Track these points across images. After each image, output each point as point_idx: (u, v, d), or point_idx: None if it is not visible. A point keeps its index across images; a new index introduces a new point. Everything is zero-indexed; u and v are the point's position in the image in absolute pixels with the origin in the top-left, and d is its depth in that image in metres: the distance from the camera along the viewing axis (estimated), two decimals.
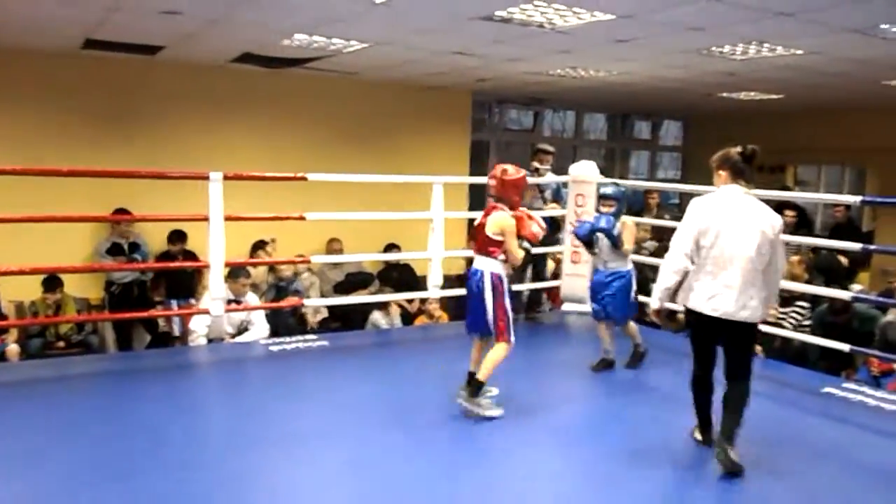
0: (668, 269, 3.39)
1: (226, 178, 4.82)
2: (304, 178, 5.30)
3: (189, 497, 2.96)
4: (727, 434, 3.30)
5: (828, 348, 5.10)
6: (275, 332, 5.83)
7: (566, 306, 6.51)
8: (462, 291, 6.68)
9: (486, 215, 3.92)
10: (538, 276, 6.47)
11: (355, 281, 7.55)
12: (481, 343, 3.99)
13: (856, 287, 6.57)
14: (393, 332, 6.41)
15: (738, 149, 3.41)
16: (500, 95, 10.08)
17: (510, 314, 3.89)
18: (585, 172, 6.31)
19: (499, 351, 3.86)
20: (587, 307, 5.61)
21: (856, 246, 5.25)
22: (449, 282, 6.16)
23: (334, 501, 3.05)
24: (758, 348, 5.70)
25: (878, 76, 6.98)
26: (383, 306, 6.62)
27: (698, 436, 3.66)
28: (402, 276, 7.75)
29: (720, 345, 3.43)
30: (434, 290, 5.91)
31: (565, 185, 6.31)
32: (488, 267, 3.89)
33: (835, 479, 3.40)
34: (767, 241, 3.27)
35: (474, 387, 3.85)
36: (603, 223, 4.66)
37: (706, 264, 3.31)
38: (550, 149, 6.33)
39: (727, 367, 3.42)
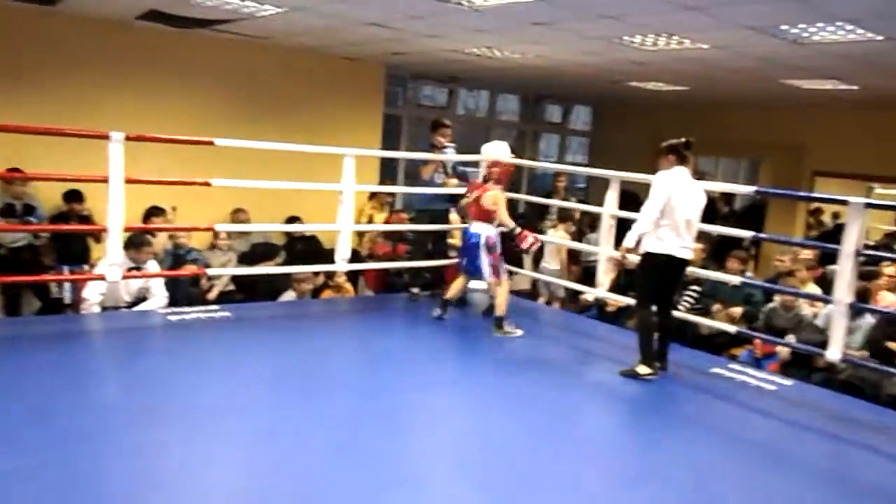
0: (644, 221, 4.41)
1: (128, 138, 4.63)
2: (210, 143, 5.17)
3: (81, 472, 2.80)
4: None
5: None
6: (174, 303, 5.68)
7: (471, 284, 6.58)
8: (368, 266, 6.90)
9: (478, 192, 5.27)
10: (442, 253, 6.49)
11: (261, 252, 7.41)
12: (466, 279, 5.50)
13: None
14: (299, 305, 6.34)
15: (683, 140, 4.54)
16: (416, 71, 10.05)
17: (502, 261, 5.32)
18: (497, 152, 6.32)
19: (500, 289, 5.22)
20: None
21: (747, 233, 5.54)
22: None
23: (244, 475, 2.99)
24: None
25: (777, 74, 7.33)
26: (292, 282, 6.54)
27: (644, 370, 4.46)
28: (307, 248, 7.66)
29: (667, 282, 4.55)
30: (342, 264, 5.88)
31: (468, 163, 6.42)
32: (484, 231, 5.23)
33: (719, 453, 3.60)
34: (701, 208, 4.55)
35: (497, 322, 5.17)
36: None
37: (671, 222, 4.39)
38: (449, 123, 6.38)
39: (668, 300, 4.67)
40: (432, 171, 6.23)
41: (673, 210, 4.40)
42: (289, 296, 6.53)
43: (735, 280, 5.54)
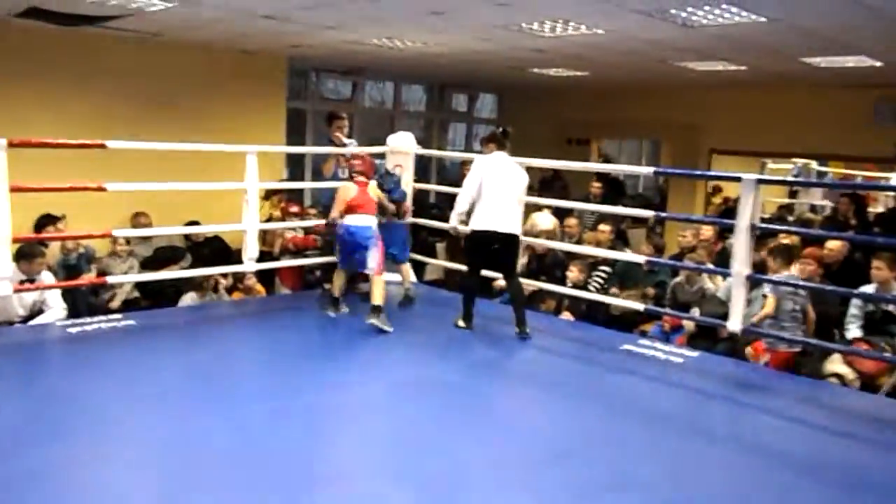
0: (461, 202, 5.22)
1: (11, 144, 4.41)
2: (102, 146, 5.00)
3: None
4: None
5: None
6: (75, 314, 5.48)
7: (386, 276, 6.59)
8: (279, 264, 6.84)
9: (361, 187, 5.38)
10: None
11: (165, 256, 7.18)
12: (348, 274, 5.56)
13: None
14: (207, 308, 6.20)
15: (500, 129, 5.38)
16: (318, 63, 9.94)
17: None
18: (403, 143, 6.40)
19: (380, 281, 5.23)
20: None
21: (648, 213, 5.74)
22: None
23: (155, 491, 2.89)
24: (566, 314, 6.12)
25: (669, 57, 7.58)
26: (199, 286, 6.39)
27: (463, 323, 5.22)
28: (213, 252, 7.46)
29: (492, 254, 5.13)
30: (250, 264, 5.79)
31: (375, 155, 6.29)
32: (373, 223, 5.36)
33: (631, 427, 3.73)
34: (521, 186, 5.22)
35: (376, 311, 5.13)
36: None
37: (486, 201, 5.06)
38: (344, 115, 6.38)
39: (505, 268, 5.24)
40: (334, 167, 6.19)
41: (487, 190, 5.08)
42: (189, 298, 6.37)
43: (640, 259, 5.74)
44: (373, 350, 4.87)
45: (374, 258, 5.29)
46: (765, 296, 5.31)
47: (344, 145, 6.19)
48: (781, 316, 5.22)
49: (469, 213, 5.26)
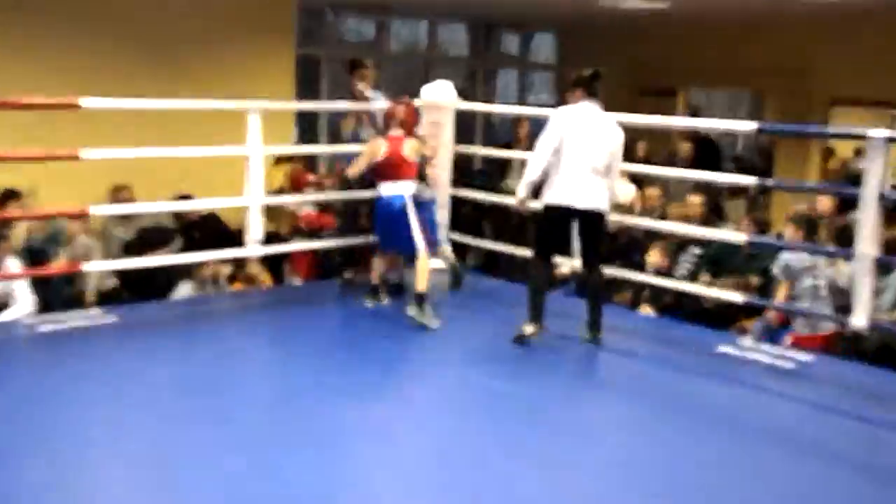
0: (532, 168, 4.87)
1: None
2: (75, 106, 5.03)
3: None
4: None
5: None
6: (46, 308, 5.57)
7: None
8: (290, 247, 6.80)
9: (395, 144, 5.31)
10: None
11: (151, 239, 7.16)
12: (392, 258, 5.66)
13: None
14: (204, 302, 6.25)
15: (590, 70, 4.87)
16: (335, 0, 9.89)
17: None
18: (440, 96, 6.33)
19: (425, 262, 5.23)
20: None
21: (750, 180, 5.60)
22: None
23: None
24: (646, 307, 6.06)
25: None
26: (193, 275, 6.43)
27: (530, 329, 4.86)
28: (208, 233, 7.44)
29: (569, 233, 4.98)
30: (254, 247, 5.79)
31: None
32: (408, 191, 5.30)
33: (727, 445, 3.68)
34: (614, 148, 4.83)
35: (419, 301, 5.11)
36: None
37: (565, 165, 4.75)
38: (369, 63, 6.33)
39: (587, 255, 4.97)
40: (354, 125, 6.14)
41: (568, 152, 4.76)
42: (185, 290, 6.43)
43: (741, 239, 5.58)
44: (412, 352, 4.88)
45: (417, 234, 5.26)
46: None
47: (367, 100, 6.11)
48: None
49: (540, 184, 5.00)
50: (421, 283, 5.14)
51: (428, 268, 5.25)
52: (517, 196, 5.03)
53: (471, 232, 7.12)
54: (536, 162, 4.86)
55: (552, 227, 4.97)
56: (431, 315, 5.13)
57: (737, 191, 8.97)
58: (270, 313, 5.77)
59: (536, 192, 5.03)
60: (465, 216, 7.47)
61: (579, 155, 4.77)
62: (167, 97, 6.04)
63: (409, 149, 5.40)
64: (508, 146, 8.71)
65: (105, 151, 5.48)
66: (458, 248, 6.71)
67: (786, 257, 5.57)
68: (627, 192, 6.57)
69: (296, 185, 7.63)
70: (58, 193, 6.34)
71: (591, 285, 5.03)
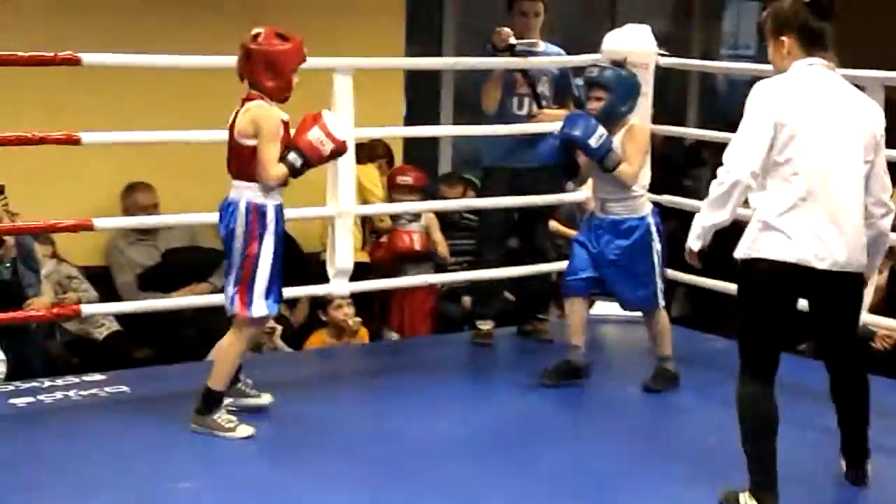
0: (723, 189, 3.24)
1: None
2: (75, 61, 4.20)
3: None
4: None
5: None
6: (23, 368, 4.61)
7: (597, 307, 5.49)
8: (397, 283, 5.85)
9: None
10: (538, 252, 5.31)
11: (183, 264, 5.90)
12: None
13: None
14: (259, 364, 4.83)
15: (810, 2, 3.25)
16: None
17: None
18: (632, 47, 5.09)
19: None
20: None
21: None
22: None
23: None
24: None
25: None
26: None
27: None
28: None
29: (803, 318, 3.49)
30: (340, 282, 4.67)
31: (581, 69, 5.24)
32: (244, 196, 3.77)
33: None
34: (871, 146, 3.22)
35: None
36: (578, 129, 4.34)
37: (793, 186, 3.18)
38: None
39: (836, 347, 3.51)
40: (501, 94, 5.03)
41: (801, 161, 3.11)
42: None
43: None
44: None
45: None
46: None
47: (515, 53, 4.91)
48: None
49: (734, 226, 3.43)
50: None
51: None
52: (688, 245, 3.50)
53: (679, 263, 5.46)
54: (734, 183, 3.16)
55: (776, 301, 3.30)
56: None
57: None
58: (360, 386, 4.66)
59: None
60: (671, 237, 5.82)
61: (822, 165, 3.15)
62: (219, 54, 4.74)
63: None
64: (734, 127, 7.00)
65: (117, 135, 4.79)
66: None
67: None
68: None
69: (393, 189, 6.36)
70: (48, 196, 5.60)
71: (851, 388, 3.51)
